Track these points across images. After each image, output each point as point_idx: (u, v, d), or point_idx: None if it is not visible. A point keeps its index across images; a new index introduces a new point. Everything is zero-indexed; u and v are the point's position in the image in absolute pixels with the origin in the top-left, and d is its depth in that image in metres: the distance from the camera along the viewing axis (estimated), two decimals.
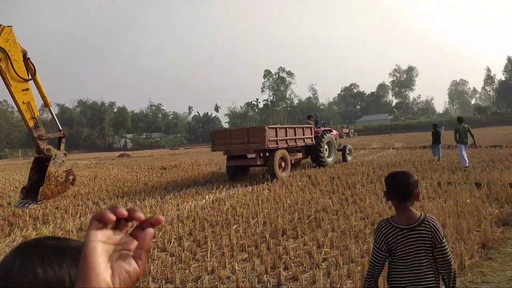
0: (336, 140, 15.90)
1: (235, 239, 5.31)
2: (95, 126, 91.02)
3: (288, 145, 12.50)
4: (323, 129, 15.25)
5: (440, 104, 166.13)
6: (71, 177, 8.07)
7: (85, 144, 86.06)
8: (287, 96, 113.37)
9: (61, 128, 8.38)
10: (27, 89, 7.44)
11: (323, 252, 4.59)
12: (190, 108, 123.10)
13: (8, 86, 7.12)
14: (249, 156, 12.67)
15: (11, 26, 7.13)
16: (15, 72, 7.10)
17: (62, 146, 8.31)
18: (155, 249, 5.15)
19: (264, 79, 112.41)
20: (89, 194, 10.93)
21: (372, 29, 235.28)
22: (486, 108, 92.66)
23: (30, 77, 7.45)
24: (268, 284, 3.62)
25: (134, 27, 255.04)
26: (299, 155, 14.04)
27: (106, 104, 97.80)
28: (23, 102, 7.40)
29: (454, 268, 2.07)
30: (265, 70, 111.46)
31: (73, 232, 6.44)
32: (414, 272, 2.04)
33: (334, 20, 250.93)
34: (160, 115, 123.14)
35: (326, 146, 14.79)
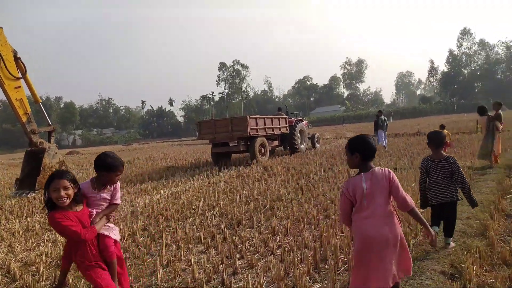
0: (307, 128, 17.57)
1: (191, 232, 5.28)
2: (40, 123, 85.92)
3: (267, 133, 14.03)
4: (295, 119, 16.77)
5: (388, 95, 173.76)
6: (63, 168, 8.23)
7: (19, 142, 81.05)
8: (243, 89, 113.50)
9: (50, 123, 8.76)
10: (19, 87, 7.80)
11: (278, 240, 4.69)
12: (143, 102, 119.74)
13: (1, 84, 7.41)
14: (231, 144, 13.96)
15: (2, 27, 7.37)
16: (8, 70, 7.39)
17: (52, 139, 8.66)
18: None
19: (219, 71, 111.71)
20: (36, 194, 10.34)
21: (324, 22, 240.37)
22: (430, 98, 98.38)
23: (21, 75, 7.79)
24: (224, 273, 3.65)
25: (80, 18, 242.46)
26: (276, 142, 15.48)
27: (52, 99, 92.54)
28: (16, 99, 7.74)
29: (468, 184, 3.87)
30: (220, 63, 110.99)
31: (20, 233, 6.08)
32: (439, 189, 3.93)
33: (286, 13, 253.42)
34: (111, 110, 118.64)
35: (298, 134, 16.14)
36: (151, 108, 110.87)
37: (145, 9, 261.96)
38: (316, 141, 18.05)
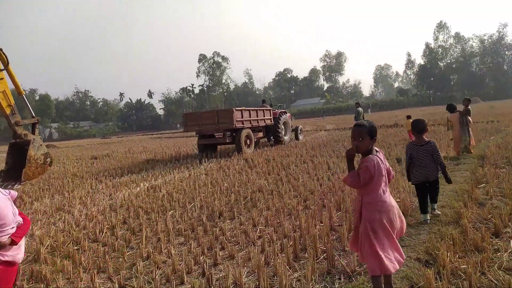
0: (290, 121, 17.74)
1: (171, 224, 5.26)
2: None
3: (252, 125, 14.34)
4: (279, 111, 17.01)
5: (367, 87, 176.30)
6: (48, 159, 8.41)
7: (4, 136, 78.35)
8: (223, 81, 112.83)
9: (34, 115, 8.63)
10: (1, 79, 7.72)
11: (258, 230, 4.73)
12: (121, 94, 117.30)
13: None
14: (216, 135, 14.24)
15: None
16: None
17: (37, 131, 8.62)
18: (85, 240, 4.93)
19: (199, 63, 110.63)
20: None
21: (303, 15, 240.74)
22: (407, 91, 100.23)
23: (3, 67, 7.75)
24: (205, 264, 3.66)
25: (54, 7, 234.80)
26: (260, 134, 15.91)
27: (26, 92, 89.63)
28: None
29: (444, 165, 4.61)
30: (200, 55, 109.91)
31: None
32: (424, 168, 4.60)
33: (266, 6, 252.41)
34: (88, 103, 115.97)
35: (282, 126, 16.44)
36: (129, 101, 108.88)
37: (125, 2, 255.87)
38: (299, 133, 18.43)
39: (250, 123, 14.21)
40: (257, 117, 14.78)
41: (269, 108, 16.20)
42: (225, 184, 7.85)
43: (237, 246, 4.29)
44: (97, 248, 4.55)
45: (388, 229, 2.77)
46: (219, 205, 6.10)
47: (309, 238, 4.16)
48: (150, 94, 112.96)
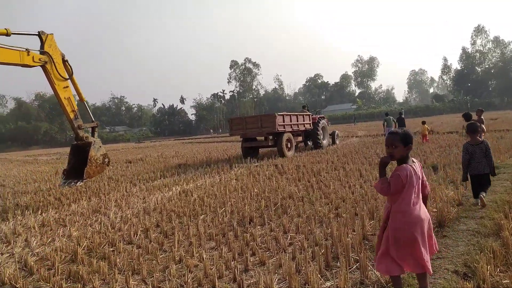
0: (327, 125, 18.56)
1: (202, 228, 5.32)
2: (54, 121, 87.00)
3: (293, 129, 15.09)
4: (318, 116, 17.64)
5: (400, 93, 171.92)
6: (106, 160, 9.08)
7: (44, 139, 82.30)
8: (254, 87, 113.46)
9: (93, 119, 9.48)
10: (67, 87, 8.51)
11: (289, 237, 4.70)
12: (155, 100, 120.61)
13: (52, 84, 8.16)
14: (258, 139, 15.15)
15: (52, 34, 8.17)
16: (58, 72, 8.16)
17: (96, 134, 9.33)
18: (120, 242, 5.08)
19: (231, 70, 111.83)
20: (50, 190, 10.54)
21: (336, 19, 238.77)
22: (443, 96, 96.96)
23: (68, 76, 8.52)
24: (236, 270, 3.67)
25: (96, 20, 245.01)
26: (300, 138, 16.76)
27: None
28: (64, 98, 8.45)
29: (493, 161, 5.53)
30: (232, 61, 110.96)
31: (35, 228, 6.21)
32: (479, 164, 5.48)
33: (299, 10, 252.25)
34: (123, 108, 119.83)
35: (321, 131, 17.13)
36: (162, 106, 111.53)
37: (157, 7, 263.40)
38: (336, 138, 18.93)
39: (291, 127, 14.93)
40: (298, 121, 15.47)
41: (308, 113, 16.93)
42: (255, 190, 7.86)
43: (267, 252, 4.28)
44: (132, 250, 4.67)
45: (410, 242, 2.73)
46: (250, 210, 6.11)
47: (341, 246, 4.09)
48: (182, 100, 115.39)
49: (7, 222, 6.85)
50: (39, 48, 8.10)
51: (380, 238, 2.89)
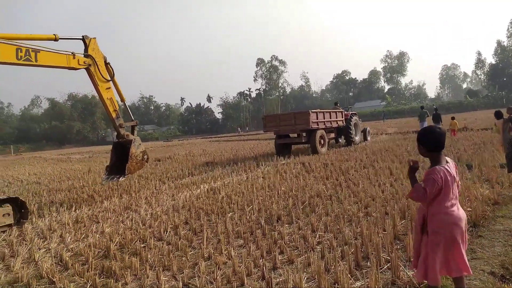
0: (359, 122, 18.58)
1: (230, 226, 5.36)
2: (86, 120, 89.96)
3: (326, 126, 15.28)
4: (350, 113, 17.69)
5: (432, 89, 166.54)
6: (145, 157, 9.46)
7: (77, 138, 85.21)
8: (280, 84, 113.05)
9: (133, 118, 10.01)
10: (109, 88, 8.93)
11: (318, 236, 4.66)
12: (182, 99, 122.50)
13: (96, 85, 8.59)
14: (291, 135, 15.53)
15: (95, 37, 8.60)
16: (101, 74, 8.59)
17: (135, 132, 9.78)
18: (151, 238, 5.20)
19: (257, 68, 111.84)
20: (83, 188, 10.92)
21: (363, 14, 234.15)
22: (477, 92, 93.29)
23: (110, 78, 8.94)
24: (264, 268, 3.68)
25: (126, 20, 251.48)
26: (332, 135, 16.76)
27: (97, 97, 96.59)
28: (107, 98, 8.89)
29: None
30: (258, 59, 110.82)
31: (69, 225, 6.45)
32: None
33: (325, 7, 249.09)
34: (152, 107, 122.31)
35: (353, 128, 17.24)
36: (190, 105, 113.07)
37: (181, 8, 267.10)
38: (368, 134, 18.89)
39: (324, 124, 15.10)
40: (330, 118, 15.64)
41: (341, 110, 17.02)
42: (283, 188, 7.84)
43: (296, 251, 4.26)
44: (162, 247, 4.77)
45: (450, 243, 2.63)
46: (277, 209, 6.11)
47: (371, 246, 4.02)
48: (209, 99, 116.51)
49: (43, 219, 7.15)
50: (83, 52, 8.39)
51: (418, 242, 2.79)
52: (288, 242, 4.55)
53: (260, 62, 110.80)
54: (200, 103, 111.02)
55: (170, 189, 9.22)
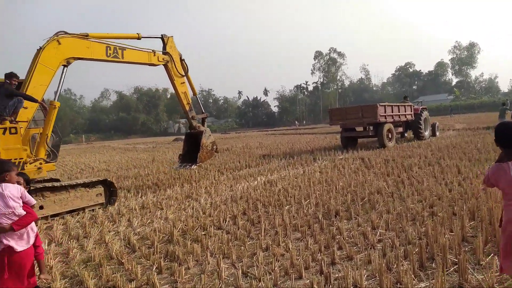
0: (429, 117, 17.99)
1: (288, 219, 5.38)
2: (150, 112, 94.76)
3: (394, 120, 14.94)
4: (421, 107, 17.32)
5: (506, 82, 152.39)
6: (215, 147, 10.10)
7: (142, 129, 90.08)
8: (338, 77, 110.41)
9: (203, 111, 10.67)
10: (183, 82, 9.67)
11: (378, 233, 4.52)
12: (239, 92, 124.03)
13: (172, 80, 9.31)
14: (357, 129, 15.57)
15: (172, 36, 9.25)
16: (177, 70, 9.29)
17: (205, 124, 10.49)
18: (211, 226, 5.38)
19: (315, 60, 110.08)
20: (148, 176, 11.55)
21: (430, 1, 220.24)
22: None
23: (184, 73, 9.63)
24: (322, 262, 3.65)
25: (181, 14, 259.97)
26: (400, 129, 16.47)
27: (160, 91, 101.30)
28: (182, 92, 9.66)
29: None
30: (316, 51, 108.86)
31: (136, 210, 6.87)
32: None
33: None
34: (211, 100, 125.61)
35: (423, 122, 16.77)
36: (247, 99, 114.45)
37: (241, 2, 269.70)
38: (437, 129, 18.41)
39: (392, 118, 14.77)
40: (399, 112, 15.29)
41: (410, 103, 16.61)
42: (341, 183, 7.69)
43: (355, 247, 4.17)
44: (222, 235, 4.91)
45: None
46: (335, 204, 6.01)
47: (437, 247, 3.82)
48: (265, 92, 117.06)
49: (113, 204, 7.68)
50: (161, 49, 9.05)
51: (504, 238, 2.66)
52: (347, 238, 4.47)
53: (318, 54, 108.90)
54: (257, 97, 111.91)
55: (228, 180, 9.45)
